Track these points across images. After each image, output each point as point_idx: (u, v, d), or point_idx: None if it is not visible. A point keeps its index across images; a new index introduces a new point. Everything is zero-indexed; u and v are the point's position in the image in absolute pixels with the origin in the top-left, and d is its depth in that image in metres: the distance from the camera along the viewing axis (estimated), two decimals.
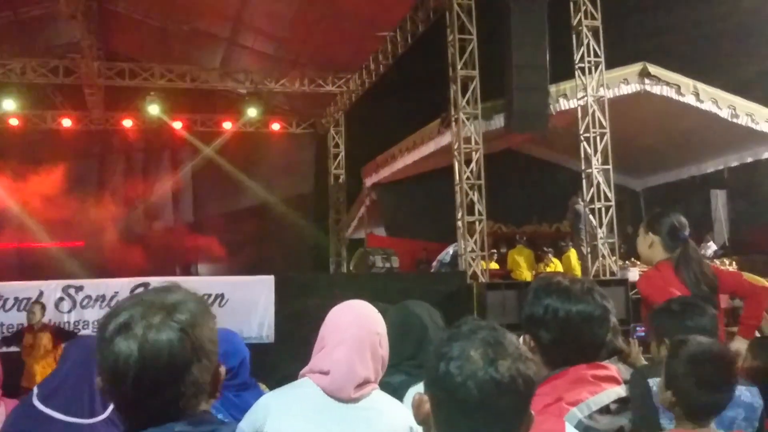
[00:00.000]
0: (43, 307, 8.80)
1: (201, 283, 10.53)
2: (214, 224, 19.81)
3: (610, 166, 12.25)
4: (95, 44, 16.03)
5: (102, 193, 19.64)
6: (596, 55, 12.29)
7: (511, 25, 11.46)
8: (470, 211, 11.98)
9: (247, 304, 9.82)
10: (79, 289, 9.63)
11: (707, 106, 13.26)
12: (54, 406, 2.36)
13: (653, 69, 12.94)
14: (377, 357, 2.31)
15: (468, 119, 12.03)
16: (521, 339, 1.87)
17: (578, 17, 12.25)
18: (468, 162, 12.02)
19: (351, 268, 14.90)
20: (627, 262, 13.35)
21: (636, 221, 16.87)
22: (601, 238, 12.03)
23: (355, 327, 2.30)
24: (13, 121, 17.81)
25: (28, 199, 17.92)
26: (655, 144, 15.76)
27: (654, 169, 17.62)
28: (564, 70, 12.41)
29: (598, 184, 12.19)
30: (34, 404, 2.37)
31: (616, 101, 12.62)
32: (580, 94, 12.36)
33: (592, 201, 12.23)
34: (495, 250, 14.74)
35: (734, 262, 13.51)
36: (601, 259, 12.00)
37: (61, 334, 8.51)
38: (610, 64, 12.48)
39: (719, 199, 16.15)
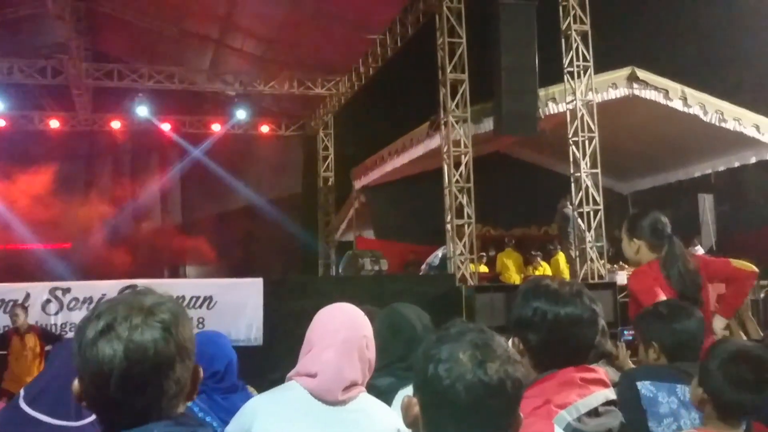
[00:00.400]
0: (25, 309, 8.74)
1: (189, 285, 10.50)
2: (203, 226, 19.77)
3: (598, 170, 12.29)
4: (83, 45, 15.97)
5: (89, 195, 19.57)
6: (585, 60, 12.33)
7: (500, 29, 11.48)
8: (459, 214, 11.99)
9: (236, 306, 9.80)
10: (66, 291, 9.58)
11: (695, 110, 13.31)
12: (41, 408, 2.34)
13: (641, 73, 12.99)
14: (364, 359, 2.31)
15: (457, 122, 12.05)
16: (510, 342, 1.88)
17: (567, 21, 12.29)
18: (457, 165, 12.04)
19: (340, 270, 14.88)
20: (615, 265, 13.40)
21: (622, 224, 16.89)
22: (589, 241, 12.06)
23: (342, 329, 2.30)
24: (0, 122, 17.71)
25: (14, 200, 17.82)
26: (643, 148, 15.83)
27: (642, 173, 17.70)
28: (553, 74, 12.45)
29: (587, 187, 12.23)
30: (21, 407, 2.35)
31: (605, 105, 12.67)
32: (569, 98, 12.40)
33: (580, 204, 12.27)
34: (484, 253, 14.77)
35: None
36: (589, 262, 12.04)
37: (47, 337, 8.47)
38: (599, 69, 12.52)
39: (706, 203, 16.21)
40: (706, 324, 3.02)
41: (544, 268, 14.22)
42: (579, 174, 12.26)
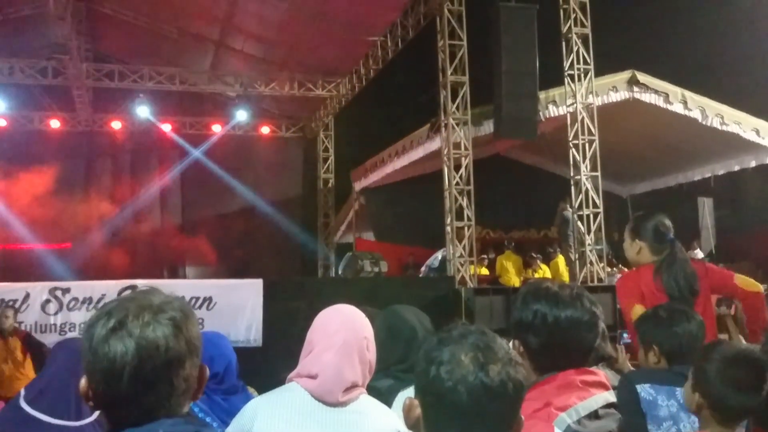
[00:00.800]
0: (15, 311, 8.57)
1: (189, 286, 10.48)
2: (203, 227, 19.72)
3: (598, 173, 12.29)
4: (84, 45, 15.99)
5: (89, 195, 19.54)
6: (585, 63, 12.33)
7: (501, 32, 11.49)
8: (459, 216, 12.00)
9: (236, 307, 9.78)
10: (66, 291, 9.56)
11: (695, 114, 13.32)
12: (40, 408, 2.34)
13: (642, 77, 13.00)
14: (365, 361, 2.31)
15: (457, 125, 12.06)
16: (510, 344, 1.88)
17: (568, 25, 12.30)
18: (457, 167, 12.05)
19: (339, 272, 14.88)
20: (614, 268, 13.41)
21: (622, 228, 16.90)
22: (589, 244, 12.06)
23: (343, 331, 2.31)
24: (0, 122, 17.71)
25: (14, 200, 17.80)
26: (643, 151, 15.84)
27: (641, 176, 17.71)
28: (553, 76, 12.46)
29: (587, 190, 12.23)
30: (21, 406, 2.35)
31: (605, 108, 12.67)
32: (569, 101, 12.40)
33: (580, 207, 12.27)
34: (485, 256, 14.79)
35: None
36: (588, 265, 12.03)
37: (30, 343, 8.19)
38: (600, 72, 12.52)
39: (706, 206, 16.21)
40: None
41: (543, 271, 14.23)
42: (579, 177, 12.26)
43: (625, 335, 8.86)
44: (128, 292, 1.51)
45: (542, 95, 12.26)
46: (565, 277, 13.38)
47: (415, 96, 14.82)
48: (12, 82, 16.00)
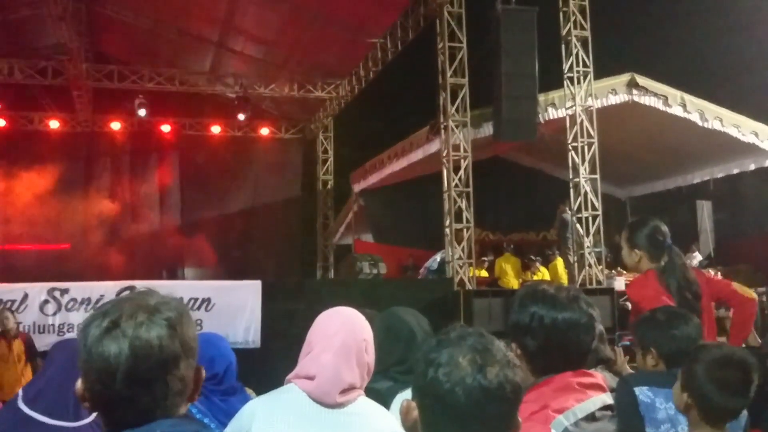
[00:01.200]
0: (13, 313, 8.53)
1: (188, 287, 10.47)
2: (202, 228, 19.71)
3: (597, 176, 12.29)
4: (83, 46, 15.96)
5: (89, 196, 19.52)
6: (585, 65, 12.34)
7: (500, 34, 11.49)
8: (458, 218, 11.99)
9: (234, 308, 9.77)
10: (65, 291, 9.54)
11: (694, 117, 13.33)
12: (39, 409, 2.34)
13: (641, 80, 13.01)
14: (363, 363, 2.32)
15: (457, 127, 12.07)
16: (508, 347, 1.88)
17: (568, 27, 12.30)
18: (456, 169, 12.05)
19: (338, 273, 14.88)
20: (613, 271, 13.41)
21: (621, 231, 16.94)
22: (587, 247, 12.06)
23: (341, 333, 2.31)
24: (0, 122, 17.70)
25: (13, 200, 17.81)
26: (642, 154, 15.85)
27: (641, 179, 17.72)
28: (553, 79, 12.46)
29: (586, 193, 12.23)
30: (20, 407, 2.35)
31: (605, 111, 12.68)
32: (568, 104, 12.41)
33: (579, 210, 12.27)
34: (484, 258, 14.79)
35: (719, 273, 13.58)
36: (587, 267, 12.03)
37: (30, 348, 8.19)
38: (599, 74, 12.53)
39: (705, 209, 16.22)
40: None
41: (542, 273, 14.23)
42: (578, 179, 12.26)
43: (623, 338, 8.87)
44: (127, 292, 1.51)
45: (542, 98, 12.26)
46: (564, 279, 13.38)
47: (415, 98, 14.83)
48: (12, 83, 15.98)
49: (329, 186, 19.83)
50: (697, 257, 14.73)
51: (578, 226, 12.29)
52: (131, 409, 1.37)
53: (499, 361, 1.40)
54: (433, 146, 13.02)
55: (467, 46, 12.08)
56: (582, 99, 12.30)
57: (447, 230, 12.09)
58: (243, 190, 19.87)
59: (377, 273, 12.83)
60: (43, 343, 8.53)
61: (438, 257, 13.43)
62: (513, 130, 11.88)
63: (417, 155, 13.88)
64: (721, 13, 14.32)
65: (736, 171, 15.25)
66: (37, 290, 9.48)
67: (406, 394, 1.53)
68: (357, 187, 17.40)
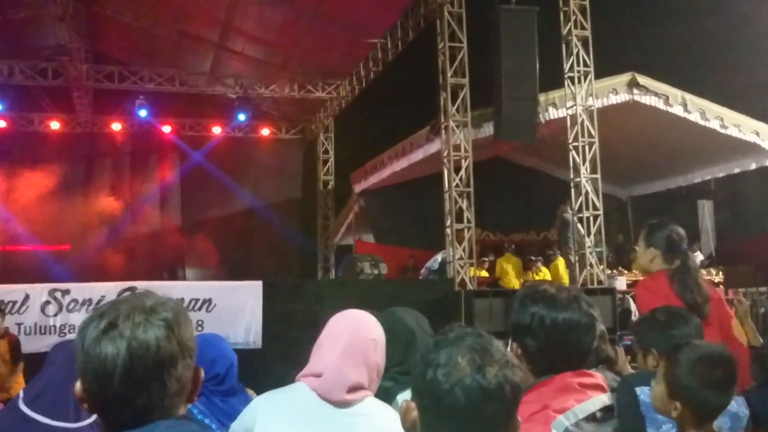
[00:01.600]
0: (3, 314, 8.46)
1: (188, 288, 10.46)
2: (202, 228, 19.75)
3: (598, 176, 12.28)
4: (84, 47, 15.98)
5: (89, 197, 19.55)
6: (585, 65, 12.33)
7: (501, 34, 11.49)
8: (459, 218, 11.99)
9: (235, 309, 9.76)
10: (66, 292, 9.53)
11: (695, 116, 13.33)
12: (39, 409, 2.34)
13: (642, 79, 13.01)
14: (371, 363, 2.32)
15: (457, 127, 12.06)
16: (508, 347, 1.88)
17: (568, 27, 12.29)
18: (457, 169, 12.04)
19: (339, 274, 14.88)
20: (614, 270, 13.41)
21: (622, 230, 17.05)
22: (588, 247, 12.05)
23: (348, 333, 2.34)
24: (0, 123, 17.72)
25: (14, 201, 17.83)
26: (643, 154, 15.84)
27: (642, 179, 17.71)
28: (553, 79, 12.45)
29: (587, 193, 12.22)
30: (20, 407, 2.35)
31: (605, 111, 12.67)
32: (569, 104, 12.40)
33: (580, 210, 12.26)
34: (485, 258, 14.78)
35: (720, 273, 13.59)
36: (588, 267, 12.02)
37: (16, 349, 7.98)
38: (600, 74, 12.52)
39: (706, 209, 16.21)
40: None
41: (543, 273, 14.21)
42: (579, 179, 12.26)
43: (624, 338, 8.87)
44: (127, 293, 1.52)
45: (542, 97, 12.26)
46: (565, 279, 13.37)
47: (415, 98, 14.81)
48: (12, 83, 16.00)
49: (330, 186, 19.83)
50: (698, 257, 14.72)
51: (579, 225, 12.28)
52: (129, 410, 1.37)
53: (498, 361, 1.40)
54: (434, 146, 13.02)
55: (467, 46, 12.07)
56: (582, 99, 12.29)
57: (448, 230, 12.08)
58: (243, 191, 19.87)
59: (378, 273, 12.81)
60: (45, 344, 8.53)
61: (439, 257, 13.42)
62: (513, 130, 11.87)
63: (417, 155, 13.87)
64: (722, 11, 14.30)
65: (737, 170, 15.24)
66: (38, 291, 9.47)
67: (406, 395, 1.52)
68: (357, 188, 17.39)
